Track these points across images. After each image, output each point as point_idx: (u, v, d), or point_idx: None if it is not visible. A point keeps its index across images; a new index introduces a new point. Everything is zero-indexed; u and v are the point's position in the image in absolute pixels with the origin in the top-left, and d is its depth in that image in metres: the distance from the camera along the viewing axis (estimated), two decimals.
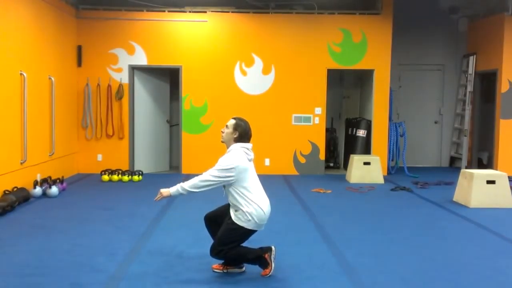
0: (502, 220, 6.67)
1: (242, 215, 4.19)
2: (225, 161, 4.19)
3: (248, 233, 4.26)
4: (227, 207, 4.38)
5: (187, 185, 4.19)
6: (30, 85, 7.82)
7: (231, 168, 4.14)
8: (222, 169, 4.15)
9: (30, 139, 7.81)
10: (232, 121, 4.35)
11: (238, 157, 4.20)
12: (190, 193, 4.22)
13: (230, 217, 4.24)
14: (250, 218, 4.18)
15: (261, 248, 4.38)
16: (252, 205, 4.19)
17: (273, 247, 4.39)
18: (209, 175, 4.17)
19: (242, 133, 4.30)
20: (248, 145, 4.33)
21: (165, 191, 4.25)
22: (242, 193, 4.19)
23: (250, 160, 4.31)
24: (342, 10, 10.31)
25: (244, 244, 4.36)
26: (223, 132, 4.36)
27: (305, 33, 10.23)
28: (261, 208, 4.23)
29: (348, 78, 11.57)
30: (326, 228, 6.05)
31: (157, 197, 4.29)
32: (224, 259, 4.33)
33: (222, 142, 4.39)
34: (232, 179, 4.17)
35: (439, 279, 4.38)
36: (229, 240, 4.20)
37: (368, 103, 10.71)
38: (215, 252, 4.23)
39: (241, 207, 4.19)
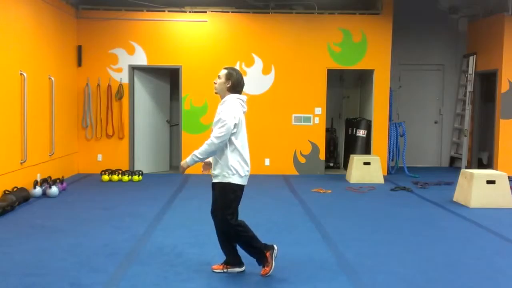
0: (502, 220, 6.66)
1: (226, 171, 4.19)
2: (225, 113, 4.16)
3: (237, 188, 4.25)
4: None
5: (198, 152, 4.20)
6: (30, 85, 7.82)
7: (233, 119, 4.14)
8: (225, 122, 4.12)
9: (30, 139, 7.81)
10: (224, 71, 4.35)
11: (236, 109, 4.22)
12: (204, 159, 4.24)
13: (216, 185, 4.27)
14: (234, 171, 4.19)
15: (265, 244, 4.38)
16: (239, 158, 4.21)
17: (275, 246, 4.38)
18: (214, 138, 4.13)
19: (235, 82, 4.30)
20: (243, 97, 4.36)
21: (183, 163, 4.28)
22: (233, 144, 4.20)
23: (243, 113, 4.34)
24: (342, 10, 10.31)
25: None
26: (215, 83, 4.36)
27: (305, 33, 10.23)
28: (246, 161, 4.27)
29: (348, 78, 11.57)
30: (326, 228, 6.05)
31: (181, 171, 4.33)
32: (236, 237, 4.31)
33: (216, 93, 4.39)
34: (234, 130, 4.18)
35: (439, 279, 4.39)
36: (225, 201, 4.22)
37: (368, 103, 10.71)
38: (221, 220, 4.25)
39: (227, 160, 4.18)
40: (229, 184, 4.22)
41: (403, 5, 10.72)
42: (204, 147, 4.18)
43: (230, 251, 4.43)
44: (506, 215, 6.95)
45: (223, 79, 4.31)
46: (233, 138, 4.20)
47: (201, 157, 4.20)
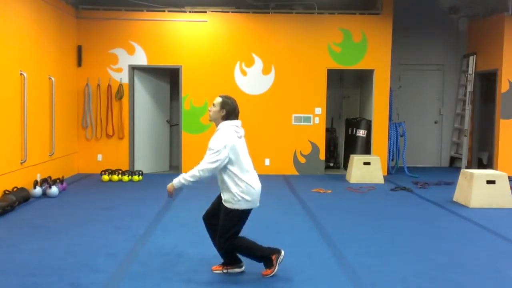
0: (502, 220, 6.67)
1: (231, 198, 4.17)
2: (215, 143, 4.12)
3: (244, 213, 4.24)
4: (219, 199, 4.36)
5: (188, 175, 4.16)
6: (30, 85, 7.82)
7: (223, 148, 4.09)
8: (215, 152, 4.08)
9: (30, 139, 7.81)
10: (219, 99, 4.30)
11: (228, 135, 4.16)
12: (192, 183, 4.17)
13: (223, 204, 4.24)
14: (239, 198, 4.16)
15: (270, 248, 4.39)
16: (241, 184, 4.17)
17: (282, 252, 4.38)
18: (206, 163, 4.11)
19: (230, 111, 4.25)
20: (238, 122, 4.29)
21: (169, 186, 4.24)
22: (232, 172, 4.16)
23: (240, 137, 4.28)
24: (342, 10, 10.31)
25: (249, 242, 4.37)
26: (210, 111, 4.32)
27: (305, 33, 10.23)
28: (250, 185, 4.21)
29: (348, 78, 11.58)
30: (326, 228, 6.05)
31: (169, 196, 4.29)
32: (233, 250, 4.32)
33: (210, 121, 4.35)
34: (227, 158, 4.13)
35: (439, 279, 4.39)
36: (229, 225, 4.20)
37: (368, 103, 10.71)
38: (222, 240, 4.23)
39: (230, 188, 4.17)
40: (236, 210, 4.19)
41: (403, 5, 10.73)
42: (193, 171, 4.13)
43: (227, 254, 4.41)
44: (506, 215, 6.95)
45: (217, 108, 4.25)
46: (230, 167, 4.15)
47: (190, 179, 4.13)
